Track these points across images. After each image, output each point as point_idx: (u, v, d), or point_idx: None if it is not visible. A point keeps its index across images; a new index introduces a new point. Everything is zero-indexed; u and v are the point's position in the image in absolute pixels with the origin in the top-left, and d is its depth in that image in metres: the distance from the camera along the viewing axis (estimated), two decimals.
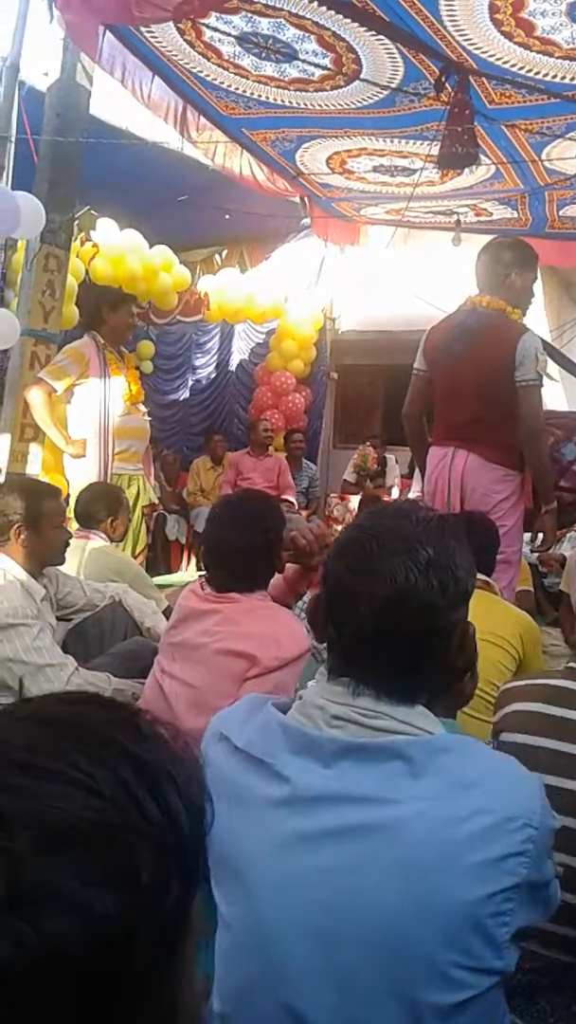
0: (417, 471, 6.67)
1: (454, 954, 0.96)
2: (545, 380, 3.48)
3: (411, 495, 7.96)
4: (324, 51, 3.44)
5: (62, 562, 3.06)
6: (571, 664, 1.69)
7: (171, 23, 3.41)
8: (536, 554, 4.60)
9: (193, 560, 7.74)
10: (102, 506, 3.70)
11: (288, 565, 2.48)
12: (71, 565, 3.37)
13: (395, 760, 1.03)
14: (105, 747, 0.55)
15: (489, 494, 3.41)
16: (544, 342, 3.69)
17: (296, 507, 7.32)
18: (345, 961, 0.99)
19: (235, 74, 3.82)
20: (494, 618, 2.65)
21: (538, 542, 3.69)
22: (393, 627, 1.07)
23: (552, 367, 5.30)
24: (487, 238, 5.96)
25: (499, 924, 0.97)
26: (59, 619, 3.11)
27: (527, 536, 3.77)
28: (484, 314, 3.45)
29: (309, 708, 1.11)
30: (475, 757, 1.07)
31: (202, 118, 4.45)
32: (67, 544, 3.05)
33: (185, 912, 0.56)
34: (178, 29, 3.49)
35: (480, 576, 2.79)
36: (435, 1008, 0.96)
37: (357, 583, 1.09)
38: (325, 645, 1.18)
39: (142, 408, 4.66)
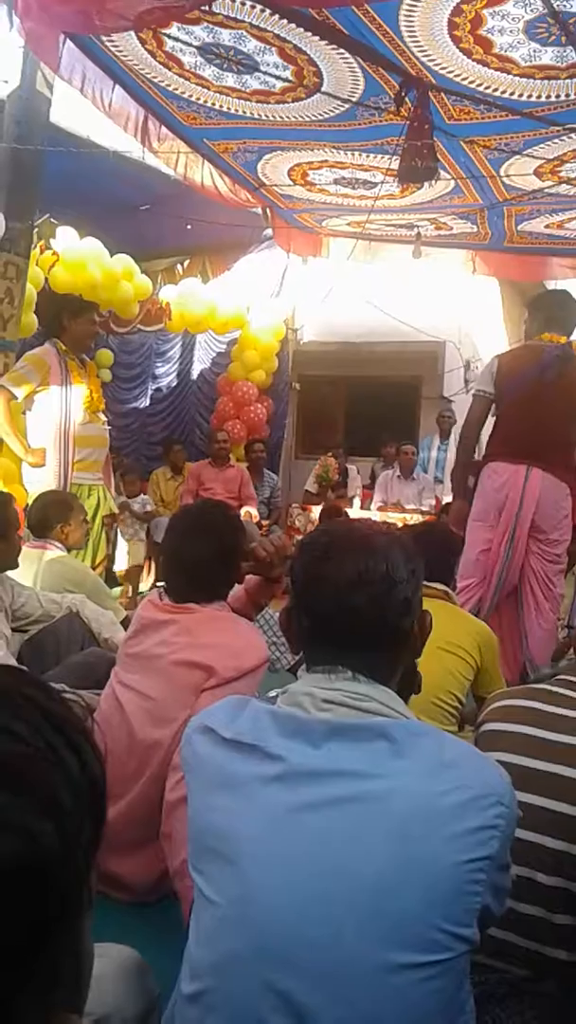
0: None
1: (436, 916, 1.03)
2: None
3: (373, 506, 8.02)
4: (285, 63, 3.45)
5: (15, 566, 3.04)
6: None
7: (132, 32, 3.41)
8: None
9: (153, 570, 7.68)
10: (52, 513, 3.66)
11: (249, 577, 2.48)
12: (28, 576, 3.33)
13: (379, 740, 1.11)
14: (24, 705, 0.62)
15: (559, 508, 3.82)
16: None
17: (255, 518, 7.31)
18: (331, 925, 1.04)
19: (196, 84, 3.82)
20: (453, 628, 2.66)
21: None
22: (357, 603, 1.18)
23: None
24: (447, 251, 6.12)
25: (474, 892, 1.05)
26: (14, 630, 3.07)
27: None
28: (570, 353, 3.89)
29: (297, 696, 1.19)
30: (450, 741, 1.17)
31: (163, 128, 4.44)
32: (20, 548, 3.04)
33: (93, 855, 0.62)
34: (139, 39, 3.48)
35: (439, 586, 2.82)
36: (414, 969, 1.02)
37: (322, 569, 1.21)
38: (288, 661, 1.24)
39: (103, 416, 4.62)
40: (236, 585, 2.42)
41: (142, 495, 7.27)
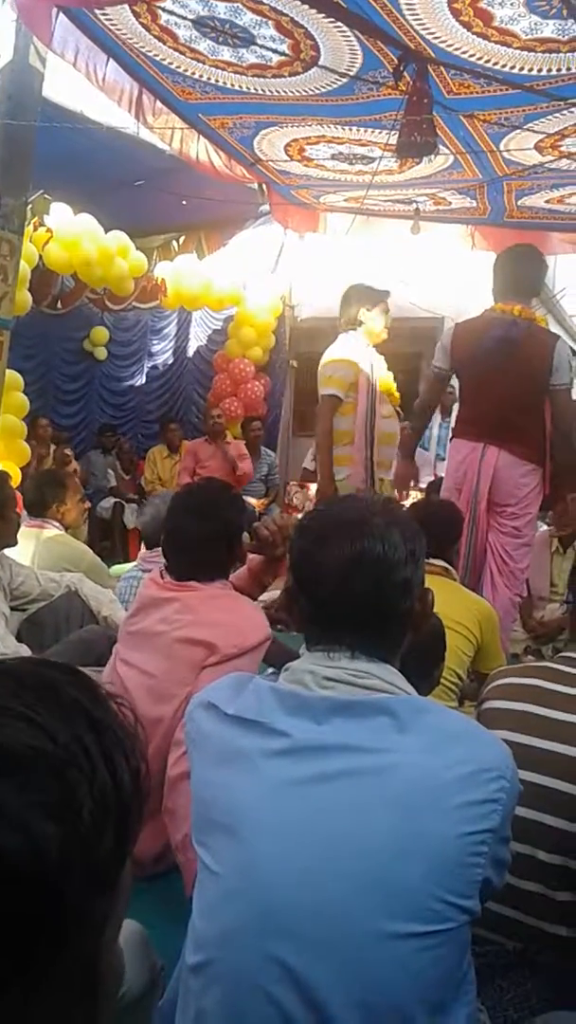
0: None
1: (438, 887, 1.04)
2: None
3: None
4: (282, 37, 3.41)
5: (14, 543, 3.04)
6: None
7: (126, 5, 3.36)
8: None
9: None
10: (48, 492, 3.66)
11: (252, 556, 2.48)
12: (25, 554, 3.33)
13: (382, 716, 1.12)
14: (66, 704, 0.59)
15: (519, 486, 3.79)
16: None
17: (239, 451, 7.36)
18: (334, 895, 1.06)
19: (192, 58, 3.77)
20: (453, 604, 2.67)
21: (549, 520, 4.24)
22: (354, 583, 1.19)
23: None
24: (446, 227, 6.08)
25: (475, 864, 1.06)
26: (13, 609, 3.08)
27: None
28: (523, 325, 3.82)
29: (299, 674, 1.20)
30: (453, 717, 1.19)
31: (158, 103, 4.39)
32: (19, 525, 3.04)
33: (115, 872, 0.58)
34: (133, 12, 3.43)
35: (439, 563, 2.82)
36: (416, 939, 1.03)
37: (319, 551, 1.22)
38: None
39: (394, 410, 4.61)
40: (239, 565, 2.42)
41: None
